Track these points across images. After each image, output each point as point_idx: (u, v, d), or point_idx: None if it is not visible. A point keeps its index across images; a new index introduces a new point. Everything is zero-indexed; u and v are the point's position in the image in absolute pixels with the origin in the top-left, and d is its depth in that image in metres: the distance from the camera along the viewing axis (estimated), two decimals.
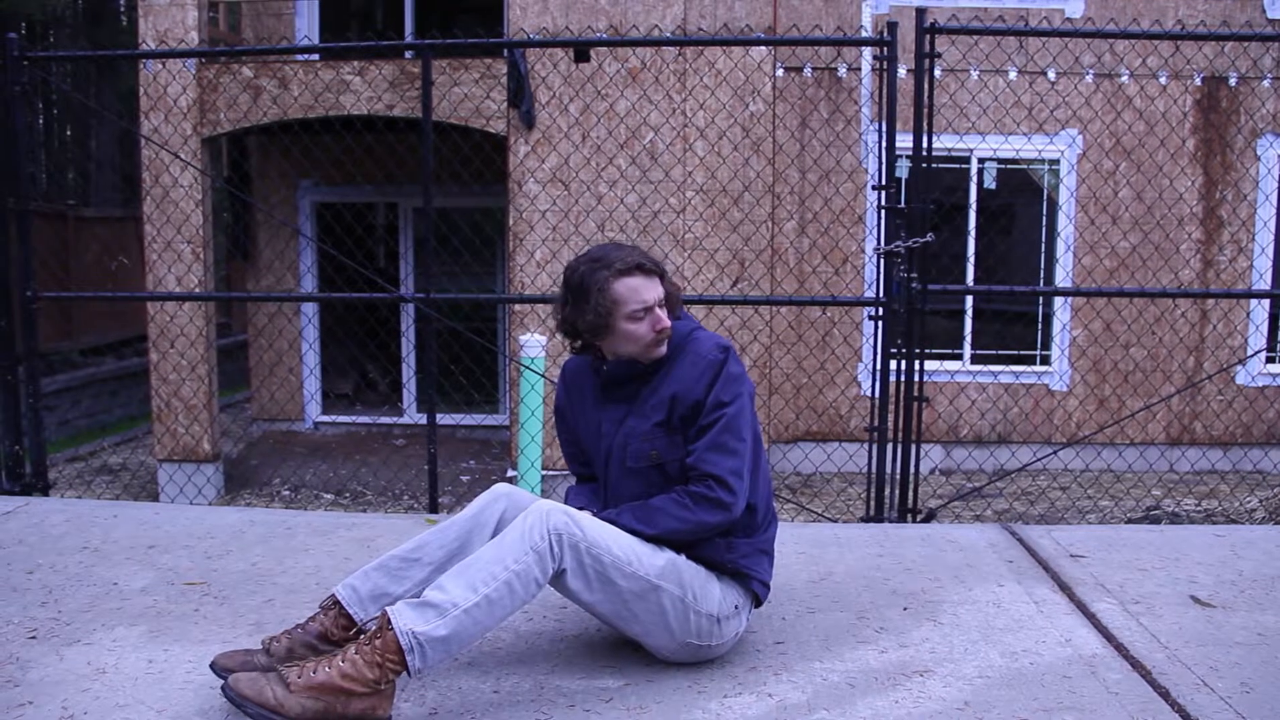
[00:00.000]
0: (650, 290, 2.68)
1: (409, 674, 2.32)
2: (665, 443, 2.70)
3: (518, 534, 2.44)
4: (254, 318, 10.90)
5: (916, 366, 4.75)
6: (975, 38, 8.85)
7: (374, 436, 10.64)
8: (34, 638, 2.87)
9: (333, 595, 2.59)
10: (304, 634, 2.56)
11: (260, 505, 8.46)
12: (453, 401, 10.26)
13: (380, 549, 3.70)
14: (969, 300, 9.63)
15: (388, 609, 2.35)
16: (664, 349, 2.74)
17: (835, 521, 5.19)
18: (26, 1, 17.19)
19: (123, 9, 22.74)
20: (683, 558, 2.66)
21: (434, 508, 4.93)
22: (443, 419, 5.20)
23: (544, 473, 8.27)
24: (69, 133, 24.46)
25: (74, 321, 13.93)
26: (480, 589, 2.37)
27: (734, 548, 2.73)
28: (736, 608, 2.73)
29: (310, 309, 10.48)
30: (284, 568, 3.50)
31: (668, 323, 2.70)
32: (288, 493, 8.98)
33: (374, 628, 2.36)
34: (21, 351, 5.16)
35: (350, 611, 2.55)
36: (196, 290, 8.66)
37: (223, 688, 2.33)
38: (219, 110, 8.69)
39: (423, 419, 10.60)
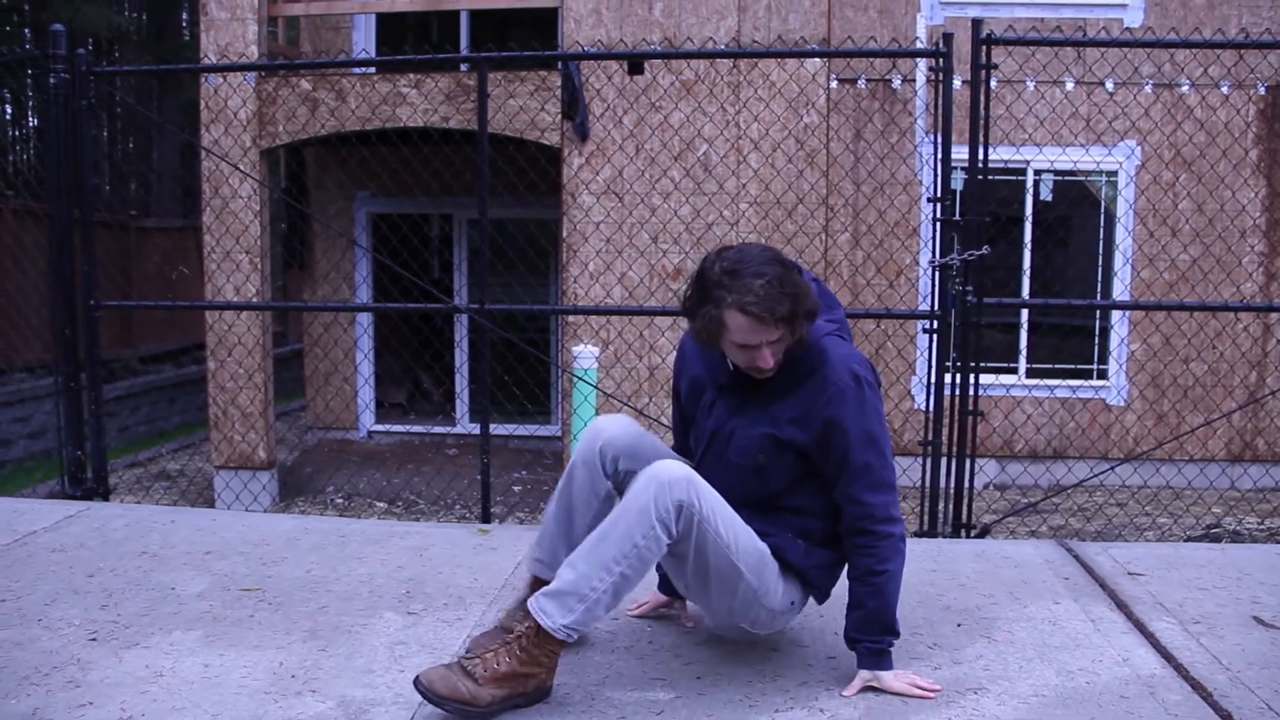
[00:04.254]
0: (758, 334, 2.55)
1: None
2: (773, 455, 2.68)
3: (641, 506, 2.49)
4: (310, 327, 11.02)
5: (971, 380, 4.71)
6: (1032, 48, 8.77)
7: (427, 446, 10.70)
8: (94, 640, 2.92)
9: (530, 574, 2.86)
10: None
11: (314, 513, 8.54)
12: (505, 412, 10.30)
13: (433, 558, 3.73)
14: (1024, 313, 9.52)
15: (532, 610, 2.50)
16: (768, 372, 2.65)
17: None
18: (93, 18, 17.53)
19: (185, 24, 23.15)
20: (769, 552, 2.68)
21: (486, 518, 4.95)
22: (495, 429, 5.22)
23: None
24: (131, 145, 24.91)
25: (134, 329, 14.17)
26: (614, 569, 2.48)
27: (812, 555, 2.75)
28: (793, 604, 2.77)
29: (365, 319, 10.58)
30: (337, 575, 3.53)
31: (768, 365, 2.60)
32: (341, 501, 9.06)
33: (526, 626, 2.52)
34: (84, 359, 5.26)
35: (546, 578, 2.74)
36: (254, 300, 8.77)
37: (415, 683, 2.45)
38: (278, 122, 8.81)
39: (475, 429, 10.65)
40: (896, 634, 2.67)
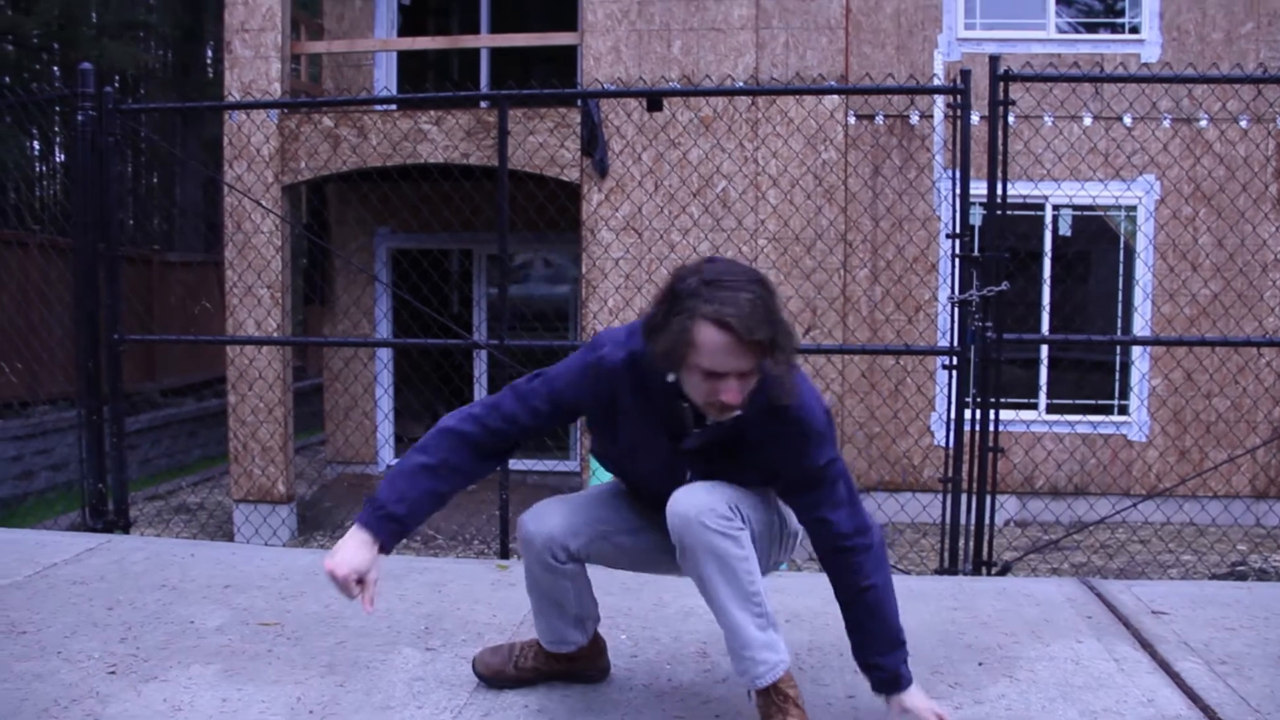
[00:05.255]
0: (730, 360, 2.24)
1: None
2: (757, 480, 2.58)
3: (707, 544, 2.40)
4: (330, 362, 11.07)
5: (991, 416, 4.69)
6: (1050, 84, 8.78)
7: None
8: (113, 673, 2.92)
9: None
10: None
11: (333, 548, 8.54)
12: (524, 447, 10.29)
13: (451, 594, 3.72)
14: (1044, 349, 9.49)
15: (752, 682, 2.47)
16: (728, 416, 2.37)
17: (908, 574, 5.11)
18: (120, 56, 17.77)
19: (209, 62, 23.45)
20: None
21: (505, 554, 4.94)
22: (514, 464, 5.23)
23: None
24: (155, 180, 25.18)
25: (156, 363, 14.26)
26: (752, 600, 2.44)
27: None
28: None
29: (385, 354, 10.62)
30: (356, 610, 3.53)
31: (735, 399, 2.29)
32: None
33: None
34: (107, 392, 5.30)
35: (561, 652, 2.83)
36: (275, 334, 8.83)
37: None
38: (300, 159, 8.89)
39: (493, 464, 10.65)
40: (903, 644, 2.54)
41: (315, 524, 9.42)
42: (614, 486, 2.82)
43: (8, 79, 18.34)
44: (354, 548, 2.47)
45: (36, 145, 22.89)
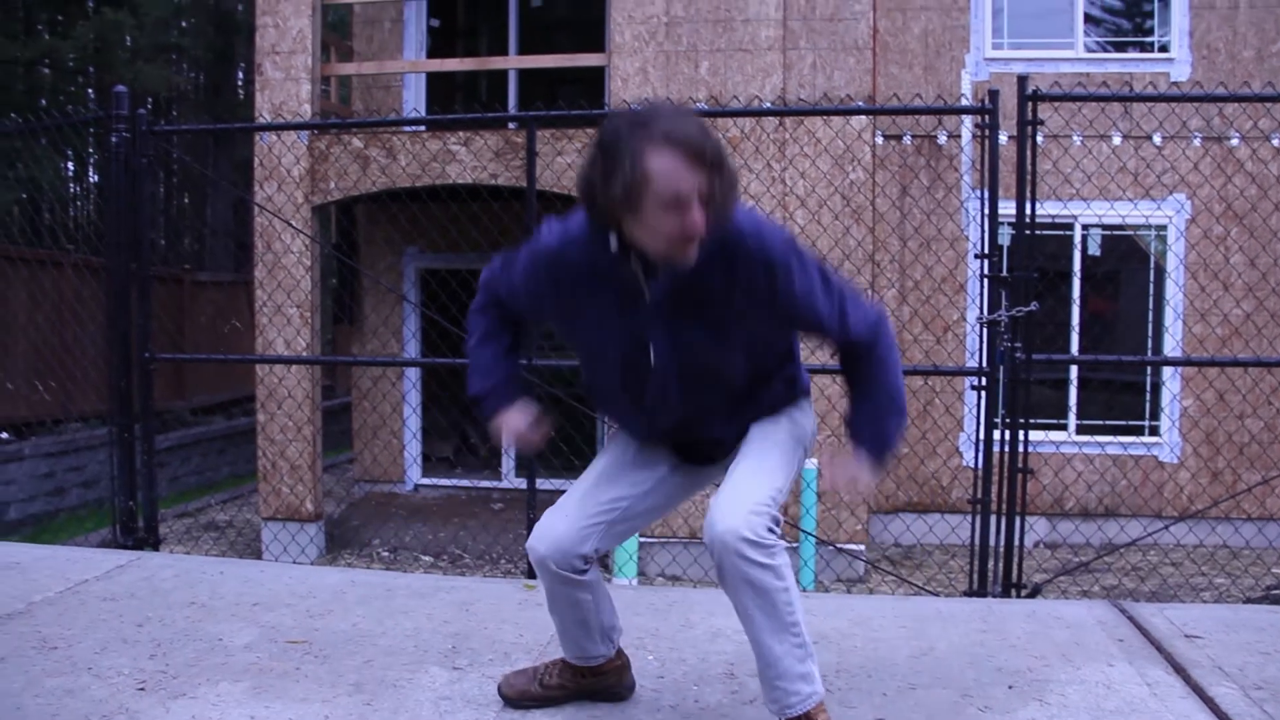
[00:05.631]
0: (689, 177, 2.14)
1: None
2: (743, 357, 2.48)
3: (746, 576, 2.37)
4: (358, 381, 11.12)
5: (1020, 437, 4.66)
6: (1079, 103, 8.75)
7: (473, 500, 10.72)
8: (142, 689, 2.94)
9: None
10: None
11: (360, 566, 8.58)
12: (552, 466, 10.28)
13: (478, 613, 3.73)
14: (1074, 369, 9.43)
15: (792, 710, 2.45)
16: (692, 254, 2.25)
17: (937, 595, 5.08)
18: (153, 79, 18.00)
19: (240, 83, 23.71)
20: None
21: (531, 573, 4.94)
22: (542, 484, 5.22)
23: (641, 539, 8.26)
24: (186, 200, 25.44)
25: (186, 381, 14.37)
26: (791, 629, 2.42)
27: (796, 382, 2.71)
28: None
29: (413, 373, 10.66)
30: (383, 629, 3.54)
31: (701, 227, 2.18)
32: (387, 554, 9.09)
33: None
34: (138, 410, 5.34)
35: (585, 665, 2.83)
36: (304, 354, 8.88)
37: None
38: (329, 179, 8.96)
39: (521, 483, 10.65)
40: (902, 412, 2.58)
41: (343, 542, 9.45)
42: (607, 455, 2.75)
43: (44, 101, 18.61)
44: (508, 421, 2.66)
45: (71, 166, 23.19)
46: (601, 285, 2.41)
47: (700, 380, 2.49)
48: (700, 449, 2.70)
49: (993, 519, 4.70)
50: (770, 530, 2.37)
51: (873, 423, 2.55)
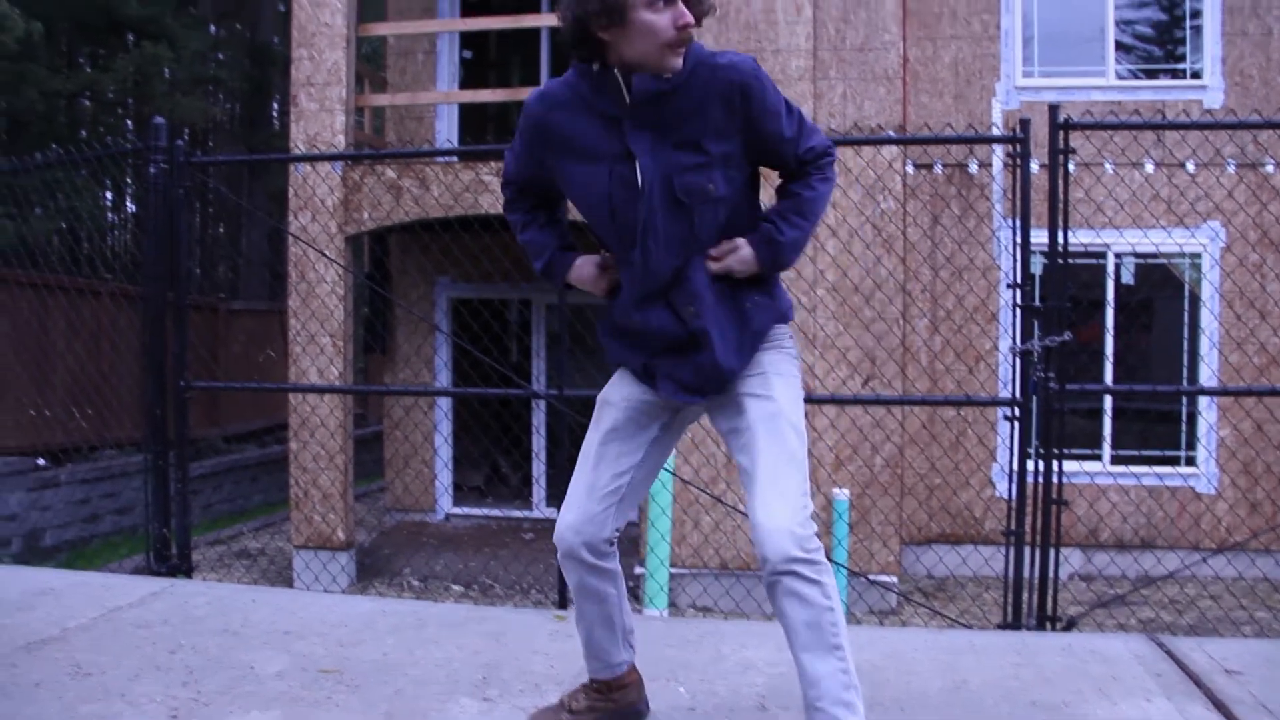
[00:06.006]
0: None
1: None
2: (721, 176, 2.51)
3: (789, 587, 2.43)
4: (390, 410, 11.18)
5: (1054, 468, 4.62)
6: (1110, 131, 8.73)
7: (504, 530, 10.73)
8: (175, 717, 2.95)
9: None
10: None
11: (391, 595, 8.59)
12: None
13: (509, 644, 3.72)
14: (1108, 400, 9.34)
15: None
16: (679, 60, 2.41)
17: (970, 628, 5.04)
18: (190, 110, 18.25)
19: (275, 114, 24.02)
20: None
21: (563, 603, 4.94)
22: None
23: (672, 570, 8.23)
24: (221, 229, 25.75)
25: (220, 409, 14.48)
26: (837, 652, 2.47)
27: (780, 299, 2.72)
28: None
29: (445, 402, 10.71)
30: (414, 659, 3.54)
31: (690, 18, 2.36)
32: (418, 583, 9.10)
33: None
34: (173, 438, 5.39)
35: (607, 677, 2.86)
36: (337, 382, 8.94)
37: None
38: (363, 209, 9.04)
39: (552, 513, 10.65)
40: (798, 248, 2.61)
41: (374, 571, 9.48)
42: (596, 431, 2.77)
43: (84, 133, 18.91)
44: (578, 276, 2.77)
45: (109, 196, 23.51)
46: (588, 122, 2.54)
47: (683, 205, 2.52)
48: (690, 351, 2.62)
49: (1027, 551, 4.66)
50: (816, 538, 2.45)
51: (783, 220, 2.60)
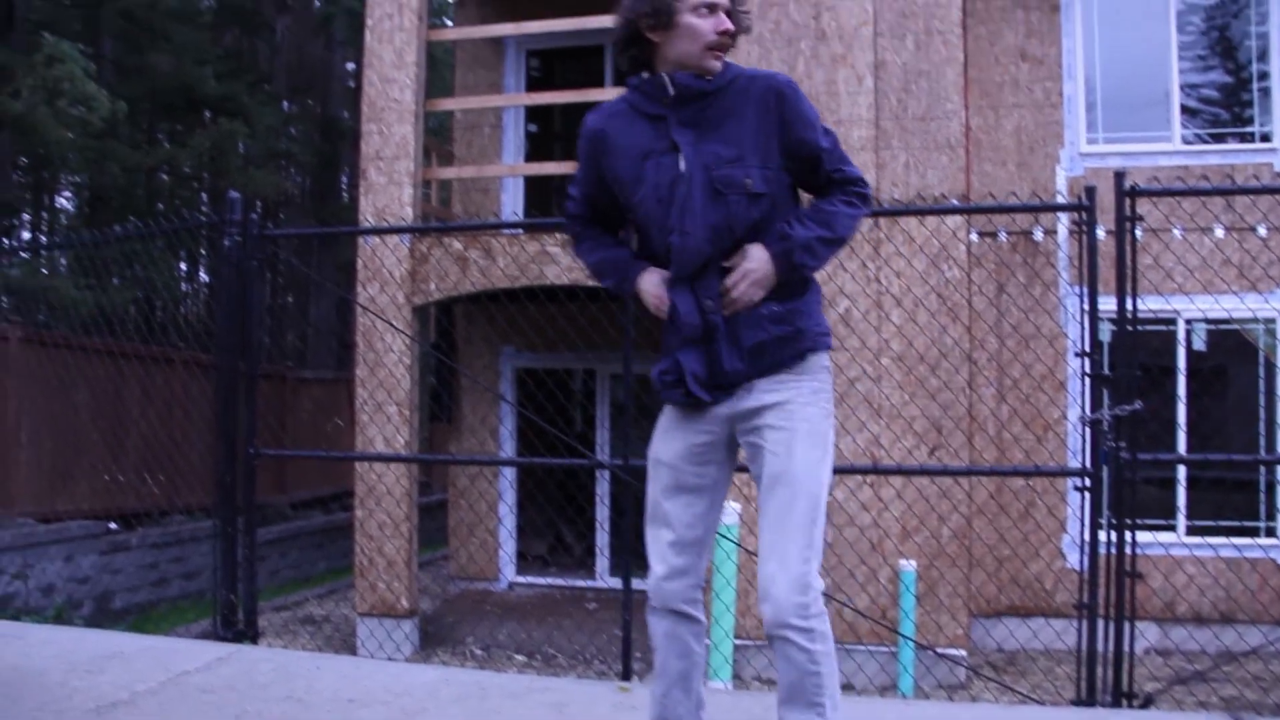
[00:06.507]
0: None
1: None
2: (758, 174, 2.67)
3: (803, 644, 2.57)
4: (455, 478, 11.24)
5: (1127, 539, 4.52)
6: (1178, 197, 8.63)
7: (567, 599, 10.69)
8: None
9: None
10: None
11: (454, 663, 8.57)
12: (646, 567, 10.25)
13: (572, 716, 3.70)
14: (1182, 469, 9.13)
15: None
16: (719, 63, 2.69)
17: (1043, 704, 4.91)
18: (263, 184, 18.74)
19: (344, 186, 24.56)
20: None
21: (626, 674, 4.90)
22: (637, 583, 5.20)
23: (736, 642, 8.14)
24: (290, 299, 26.26)
25: (287, 476, 14.67)
26: (820, 704, 2.59)
27: (819, 321, 2.79)
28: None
29: (509, 471, 10.74)
30: None
31: (730, 25, 2.65)
32: (480, 651, 9.08)
33: None
34: (241, 504, 5.46)
35: None
36: (403, 451, 9.02)
37: None
38: (430, 280, 9.18)
39: (615, 583, 10.60)
40: (811, 251, 2.68)
41: (437, 639, 9.47)
42: (657, 484, 2.86)
43: (160, 205, 19.48)
44: (644, 292, 2.81)
45: (184, 266, 24.13)
46: (638, 126, 2.76)
47: (720, 195, 2.66)
48: (706, 344, 2.72)
49: (1100, 624, 4.55)
50: (817, 601, 2.57)
51: (799, 223, 2.69)
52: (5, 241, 17.73)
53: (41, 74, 13.11)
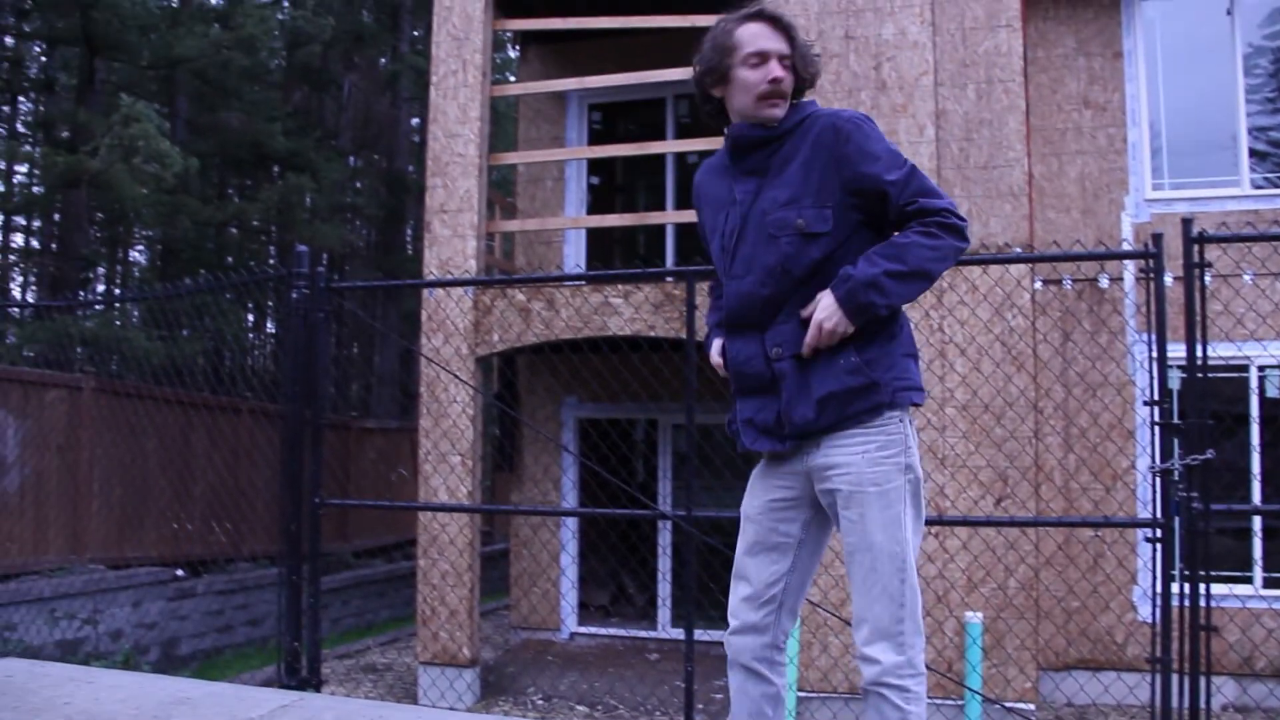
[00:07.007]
0: (770, 40, 2.71)
1: None
2: (813, 214, 2.66)
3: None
4: (517, 528, 11.27)
5: (1201, 591, 4.42)
6: (1248, 243, 8.50)
7: (629, 650, 10.63)
8: None
9: None
10: None
11: (516, 714, 8.55)
12: (709, 618, 10.17)
13: None
14: (1257, 520, 8.91)
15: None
16: (779, 110, 2.73)
17: None
18: (330, 236, 19.10)
19: (409, 239, 24.95)
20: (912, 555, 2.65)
21: None
22: (699, 635, 5.18)
23: (800, 694, 8.05)
24: (355, 349, 26.63)
25: (350, 524, 14.81)
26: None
27: (902, 373, 2.70)
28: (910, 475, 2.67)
29: (571, 522, 10.75)
30: None
31: (781, 74, 2.69)
32: (541, 702, 9.05)
33: None
34: (306, 552, 5.52)
35: None
36: (465, 501, 9.07)
37: None
38: (493, 331, 9.27)
39: (677, 634, 10.54)
40: (877, 288, 2.58)
41: (499, 689, 9.46)
42: (744, 540, 2.86)
43: (230, 259, 19.91)
44: (710, 352, 2.96)
45: (251, 317, 24.59)
46: (720, 179, 2.89)
47: (774, 239, 2.69)
48: (771, 393, 2.72)
49: (1174, 679, 4.44)
50: (912, 666, 2.56)
51: (866, 260, 2.62)
52: (81, 294, 18.19)
53: (119, 133, 13.53)
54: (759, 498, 2.80)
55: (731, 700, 2.83)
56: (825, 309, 2.60)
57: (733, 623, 2.80)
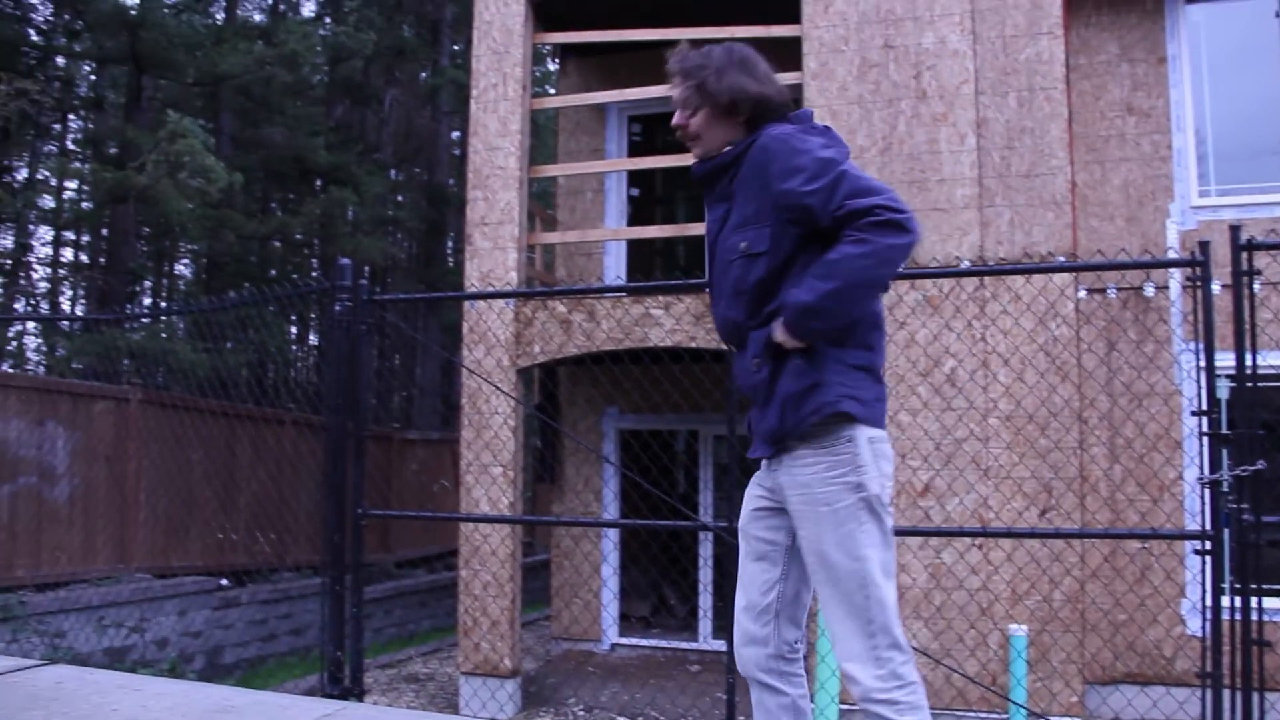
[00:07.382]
0: (673, 90, 2.89)
1: None
2: (754, 234, 2.73)
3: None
4: (559, 540, 11.28)
5: (1253, 605, 4.35)
6: None
7: (670, 661, 10.61)
8: None
9: None
10: None
11: None
12: None
13: None
14: None
15: None
16: (699, 150, 2.88)
17: None
18: (371, 250, 19.26)
19: (450, 252, 25.10)
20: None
21: None
22: None
23: (842, 707, 7.98)
24: (397, 360, 26.81)
25: (392, 535, 14.90)
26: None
27: (852, 385, 2.67)
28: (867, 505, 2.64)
29: (613, 533, 10.75)
30: None
31: (679, 122, 2.88)
32: (582, 713, 9.04)
33: None
34: (349, 563, 5.56)
35: None
36: (507, 512, 9.09)
37: None
38: (534, 343, 9.29)
39: (718, 645, 10.51)
40: (813, 299, 2.56)
41: (539, 700, 9.46)
42: (740, 555, 2.90)
43: (274, 271, 20.13)
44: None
45: (294, 330, 24.82)
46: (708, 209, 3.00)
47: (730, 262, 2.79)
48: (765, 413, 2.75)
49: (1226, 695, 4.37)
50: (898, 679, 2.55)
51: (802, 286, 2.62)
52: (129, 307, 18.45)
53: (165, 149, 13.74)
54: (747, 507, 2.89)
55: (754, 712, 2.86)
56: (780, 334, 2.68)
57: (736, 634, 2.86)
